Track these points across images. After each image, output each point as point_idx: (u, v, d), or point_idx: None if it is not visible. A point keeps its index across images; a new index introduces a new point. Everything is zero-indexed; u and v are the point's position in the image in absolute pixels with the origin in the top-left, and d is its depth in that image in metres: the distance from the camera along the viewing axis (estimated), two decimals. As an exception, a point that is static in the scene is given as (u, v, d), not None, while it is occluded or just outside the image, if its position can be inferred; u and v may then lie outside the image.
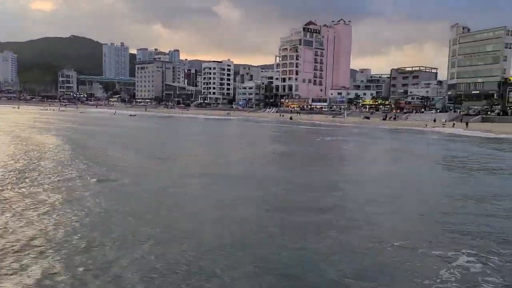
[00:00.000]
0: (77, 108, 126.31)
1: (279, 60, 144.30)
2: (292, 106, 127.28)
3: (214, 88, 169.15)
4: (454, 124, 71.64)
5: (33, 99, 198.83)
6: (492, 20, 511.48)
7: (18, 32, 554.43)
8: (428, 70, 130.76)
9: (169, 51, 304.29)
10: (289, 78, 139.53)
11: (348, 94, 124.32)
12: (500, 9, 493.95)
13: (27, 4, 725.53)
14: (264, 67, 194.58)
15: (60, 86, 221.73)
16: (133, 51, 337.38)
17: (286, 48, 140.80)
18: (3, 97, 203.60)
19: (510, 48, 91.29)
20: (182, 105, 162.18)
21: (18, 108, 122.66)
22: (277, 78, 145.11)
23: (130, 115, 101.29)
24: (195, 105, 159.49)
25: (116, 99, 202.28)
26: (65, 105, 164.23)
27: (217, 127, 70.33)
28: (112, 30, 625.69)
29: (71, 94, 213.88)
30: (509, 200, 15.36)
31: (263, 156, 29.14)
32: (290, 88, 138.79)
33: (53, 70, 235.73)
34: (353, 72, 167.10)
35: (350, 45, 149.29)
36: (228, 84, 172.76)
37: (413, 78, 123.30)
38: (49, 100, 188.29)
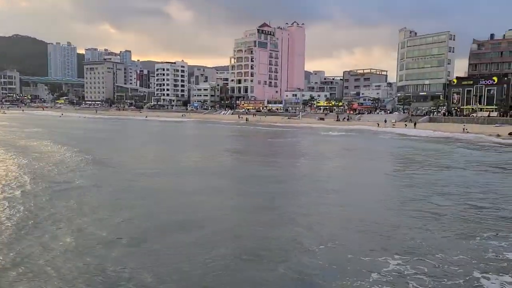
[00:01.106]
0: (22, 110, 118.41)
1: (234, 62, 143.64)
2: (248, 107, 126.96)
3: (168, 89, 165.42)
4: (406, 124, 74.40)
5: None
6: (435, 25, 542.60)
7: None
8: (378, 73, 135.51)
9: (120, 51, 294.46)
10: (245, 80, 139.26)
11: (303, 95, 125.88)
12: (442, 14, 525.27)
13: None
14: (218, 69, 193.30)
15: (2, 88, 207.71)
16: (81, 51, 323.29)
17: (241, 50, 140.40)
18: None
19: (453, 52, 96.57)
20: (134, 107, 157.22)
21: None
22: (232, 80, 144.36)
23: (81, 117, 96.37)
24: (148, 107, 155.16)
25: (63, 101, 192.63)
26: (7, 107, 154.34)
27: (172, 129, 68.53)
28: (57, 30, 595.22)
29: (14, 95, 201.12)
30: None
31: (216, 156, 29.86)
32: (246, 89, 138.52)
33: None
34: (307, 74, 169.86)
35: (304, 47, 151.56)
36: (183, 86, 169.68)
37: (365, 80, 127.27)
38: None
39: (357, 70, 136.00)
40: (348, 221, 12.88)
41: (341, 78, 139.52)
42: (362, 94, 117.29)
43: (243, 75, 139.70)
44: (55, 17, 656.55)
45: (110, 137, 46.18)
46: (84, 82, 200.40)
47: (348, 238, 11.16)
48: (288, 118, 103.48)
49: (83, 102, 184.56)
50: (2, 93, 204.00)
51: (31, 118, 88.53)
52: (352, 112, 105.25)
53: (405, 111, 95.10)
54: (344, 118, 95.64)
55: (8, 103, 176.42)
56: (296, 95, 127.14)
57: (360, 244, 10.69)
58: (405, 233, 11.61)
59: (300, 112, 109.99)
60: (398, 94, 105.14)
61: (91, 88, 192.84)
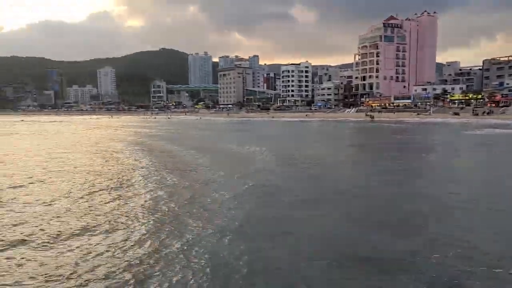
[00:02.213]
0: (168, 117, 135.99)
1: (358, 59, 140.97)
2: (373, 104, 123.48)
3: (292, 90, 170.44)
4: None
5: (129, 109, 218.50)
6: None
7: (115, 48, 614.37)
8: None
9: (249, 57, 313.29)
10: (369, 76, 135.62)
11: (434, 89, 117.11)
12: None
13: (121, 22, 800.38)
14: (342, 67, 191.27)
15: (152, 96, 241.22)
16: (215, 59, 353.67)
17: (365, 46, 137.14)
18: (104, 108, 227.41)
19: None
20: (262, 108, 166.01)
21: (111, 117, 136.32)
22: (356, 77, 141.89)
23: (215, 119, 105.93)
24: (274, 108, 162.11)
25: (201, 105, 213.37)
26: (156, 113, 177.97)
27: (296, 128, 70.87)
28: (195, 41, 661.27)
29: (161, 102, 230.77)
30: None
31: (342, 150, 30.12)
32: (371, 86, 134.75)
33: (146, 82, 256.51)
34: (439, 66, 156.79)
35: (435, 37, 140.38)
36: (307, 86, 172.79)
37: (510, 69, 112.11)
38: (143, 109, 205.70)
39: (500, 58, 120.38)
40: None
41: (480, 68, 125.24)
42: (507, 84, 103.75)
43: (367, 71, 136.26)
44: (193, 30, 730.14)
45: (264, 137, 48.58)
46: (218, 87, 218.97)
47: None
48: (417, 114, 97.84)
49: (217, 106, 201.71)
50: (152, 100, 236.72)
51: (184, 122, 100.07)
52: (494, 105, 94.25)
53: None
54: (484, 112, 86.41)
55: (157, 109, 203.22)
56: (426, 89, 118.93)
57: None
58: None
59: (431, 108, 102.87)
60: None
61: (223, 92, 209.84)
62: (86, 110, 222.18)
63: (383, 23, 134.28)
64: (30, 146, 34.23)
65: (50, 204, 12.70)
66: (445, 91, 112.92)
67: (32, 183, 16.22)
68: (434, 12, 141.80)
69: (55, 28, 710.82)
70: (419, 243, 9.27)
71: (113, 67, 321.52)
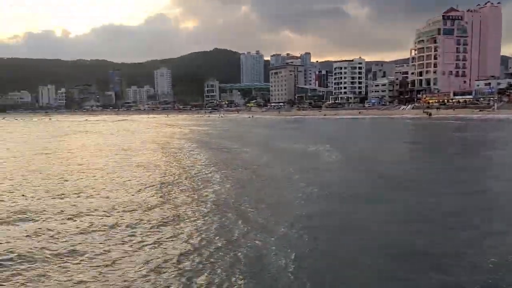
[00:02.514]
0: (221, 115, 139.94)
1: (415, 54, 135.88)
2: (430, 101, 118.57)
3: (345, 87, 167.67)
4: None
5: (184, 108, 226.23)
6: None
7: (171, 49, 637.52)
8: None
9: (300, 54, 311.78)
10: (427, 72, 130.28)
11: (498, 84, 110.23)
12: None
13: (176, 24, 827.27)
14: (398, 63, 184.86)
15: (205, 95, 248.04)
16: (267, 58, 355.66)
17: (422, 40, 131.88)
18: (160, 108, 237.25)
19: None
20: (313, 106, 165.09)
21: (167, 116, 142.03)
22: (412, 73, 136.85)
23: (267, 118, 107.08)
24: (326, 106, 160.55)
25: (252, 104, 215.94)
26: (210, 112, 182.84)
27: (349, 126, 70.02)
28: (247, 40, 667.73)
29: (214, 101, 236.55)
30: None
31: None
32: (428, 82, 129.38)
33: (200, 81, 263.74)
34: (504, 59, 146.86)
35: (500, 29, 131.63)
36: (360, 83, 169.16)
37: None
38: (197, 109, 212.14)
39: None
40: None
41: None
42: None
43: (425, 66, 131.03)
44: (245, 29, 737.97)
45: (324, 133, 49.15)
46: (270, 86, 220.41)
47: None
48: (480, 110, 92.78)
49: (269, 104, 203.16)
50: (205, 99, 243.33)
51: (237, 120, 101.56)
52: None
53: None
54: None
55: (210, 108, 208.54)
56: (489, 83, 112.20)
57: None
58: None
59: (495, 103, 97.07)
60: None
61: (275, 91, 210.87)
62: (144, 109, 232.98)
63: (443, 16, 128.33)
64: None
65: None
66: (510, 85, 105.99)
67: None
68: (498, 2, 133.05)
69: (116, 32, 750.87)
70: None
71: (168, 67, 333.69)
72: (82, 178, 17.50)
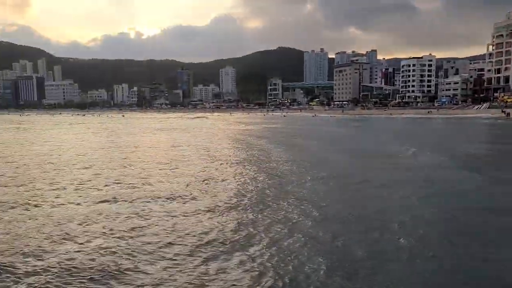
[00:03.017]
0: (283, 114, 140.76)
1: (492, 49, 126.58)
2: (508, 100, 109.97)
3: (413, 86, 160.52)
4: None
5: (247, 106, 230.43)
6: None
7: (236, 49, 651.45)
8: None
9: (367, 52, 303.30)
10: (506, 69, 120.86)
11: None
12: None
13: (241, 24, 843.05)
14: (472, 59, 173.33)
15: (268, 94, 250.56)
16: (331, 55, 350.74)
17: (501, 35, 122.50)
18: (225, 106, 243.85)
19: None
20: (380, 105, 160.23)
21: (231, 114, 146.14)
22: (489, 70, 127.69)
23: (331, 117, 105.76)
24: (393, 105, 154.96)
25: (315, 102, 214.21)
26: (272, 110, 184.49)
27: (418, 126, 66.88)
28: (311, 38, 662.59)
29: (277, 100, 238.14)
30: None
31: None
32: (507, 79, 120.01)
33: (263, 80, 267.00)
34: None
35: None
36: (429, 81, 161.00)
37: None
38: (260, 107, 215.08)
39: None
40: None
41: None
42: None
43: (503, 63, 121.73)
44: (310, 27, 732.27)
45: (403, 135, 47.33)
46: (334, 84, 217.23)
47: None
48: None
49: (332, 103, 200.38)
50: (268, 98, 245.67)
51: (301, 119, 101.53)
52: None
53: None
54: None
55: (273, 107, 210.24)
56: None
57: None
58: None
59: None
60: None
61: (339, 89, 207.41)
62: (210, 107, 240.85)
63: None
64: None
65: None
66: None
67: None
68: None
69: (185, 32, 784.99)
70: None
71: (233, 66, 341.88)
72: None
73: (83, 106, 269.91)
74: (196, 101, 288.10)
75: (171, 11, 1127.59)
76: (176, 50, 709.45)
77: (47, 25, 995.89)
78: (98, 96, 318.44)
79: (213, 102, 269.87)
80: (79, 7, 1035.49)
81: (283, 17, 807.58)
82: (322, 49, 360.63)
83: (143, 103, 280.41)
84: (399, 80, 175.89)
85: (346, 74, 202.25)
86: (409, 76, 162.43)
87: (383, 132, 52.02)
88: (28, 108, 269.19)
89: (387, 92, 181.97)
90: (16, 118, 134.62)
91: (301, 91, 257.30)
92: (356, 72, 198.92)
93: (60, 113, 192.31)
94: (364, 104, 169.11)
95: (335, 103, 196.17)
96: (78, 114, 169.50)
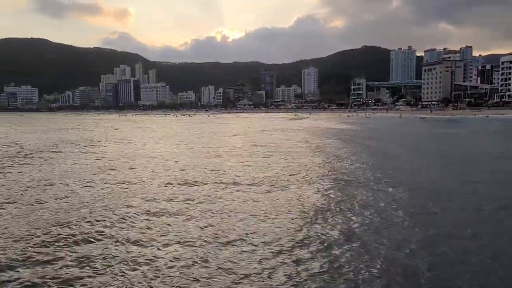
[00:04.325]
0: (366, 115, 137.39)
1: None
2: None
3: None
4: None
5: (329, 107, 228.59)
6: None
7: (319, 49, 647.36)
8: None
9: (460, 48, 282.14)
10: None
11: None
12: None
13: (323, 24, 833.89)
14: None
15: (351, 94, 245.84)
16: (419, 53, 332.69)
17: None
18: (306, 106, 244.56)
19: None
20: (474, 105, 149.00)
21: (296, 115, 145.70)
22: None
23: (421, 117, 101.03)
24: (490, 105, 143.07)
25: (401, 102, 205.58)
26: (354, 111, 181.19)
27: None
28: (399, 36, 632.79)
29: (361, 100, 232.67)
30: None
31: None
32: None
33: (346, 80, 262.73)
34: None
35: None
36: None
37: None
38: (342, 107, 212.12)
39: None
40: None
41: None
42: None
43: None
44: (396, 25, 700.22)
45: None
46: (422, 83, 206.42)
47: None
48: None
49: (419, 103, 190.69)
50: (351, 98, 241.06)
51: (388, 120, 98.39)
52: None
53: None
54: None
55: (356, 107, 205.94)
56: None
57: None
58: None
59: None
60: None
61: (427, 88, 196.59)
62: (291, 108, 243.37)
63: None
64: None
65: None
66: None
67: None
68: None
69: (268, 34, 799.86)
70: None
71: (316, 67, 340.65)
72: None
73: (173, 107, 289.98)
74: (279, 101, 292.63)
75: (256, 14, 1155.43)
76: (260, 51, 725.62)
77: (143, 31, 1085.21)
78: (187, 98, 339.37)
79: (294, 103, 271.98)
80: (171, 14, 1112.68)
81: (367, 15, 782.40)
82: (409, 47, 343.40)
83: (228, 104, 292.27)
84: (498, 78, 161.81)
85: (436, 73, 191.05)
86: (510, 73, 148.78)
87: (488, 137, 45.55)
88: (126, 109, 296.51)
89: (484, 91, 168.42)
90: (128, 117, 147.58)
91: (387, 91, 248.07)
92: (447, 71, 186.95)
93: (154, 114, 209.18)
94: (455, 104, 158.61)
95: (423, 103, 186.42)
96: (169, 114, 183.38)
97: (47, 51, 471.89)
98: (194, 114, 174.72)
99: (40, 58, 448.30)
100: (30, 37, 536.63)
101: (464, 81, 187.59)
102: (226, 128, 66.01)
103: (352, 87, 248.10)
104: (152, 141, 38.13)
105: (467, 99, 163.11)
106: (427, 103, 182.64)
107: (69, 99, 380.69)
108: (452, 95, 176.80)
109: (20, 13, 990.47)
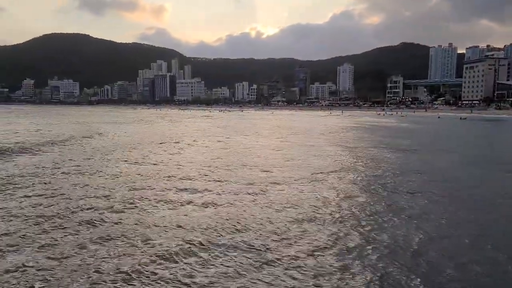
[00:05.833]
0: (402, 113, 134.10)
1: None
2: None
3: None
4: None
5: (364, 104, 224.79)
6: None
7: (355, 46, 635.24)
8: None
9: (505, 46, 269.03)
10: None
11: None
12: None
13: (359, 20, 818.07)
14: None
15: (387, 92, 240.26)
16: (460, 51, 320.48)
17: None
18: (340, 103, 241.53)
19: None
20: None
21: (330, 113, 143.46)
22: None
23: (460, 118, 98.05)
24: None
25: (440, 101, 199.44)
26: (390, 109, 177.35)
27: None
28: (437, 33, 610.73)
29: (397, 98, 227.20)
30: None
31: None
32: None
33: (382, 77, 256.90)
34: None
35: None
36: None
37: None
38: (378, 105, 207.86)
39: None
40: None
41: None
42: None
43: None
44: (436, 22, 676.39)
45: None
46: (462, 81, 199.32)
47: None
48: None
49: (459, 102, 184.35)
50: (387, 96, 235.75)
51: (431, 120, 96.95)
52: None
53: None
54: None
55: (392, 105, 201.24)
56: None
57: None
58: None
59: None
60: None
61: (468, 87, 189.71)
62: (326, 105, 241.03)
63: None
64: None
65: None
66: None
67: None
68: None
69: (302, 31, 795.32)
70: None
71: (351, 63, 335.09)
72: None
73: (208, 103, 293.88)
74: (312, 98, 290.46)
75: (291, 10, 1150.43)
76: (295, 48, 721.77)
77: (178, 27, 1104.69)
78: (221, 94, 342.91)
79: (328, 100, 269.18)
80: (206, 10, 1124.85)
81: (406, 11, 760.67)
82: (450, 44, 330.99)
83: (261, 100, 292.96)
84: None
85: (478, 71, 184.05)
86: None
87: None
88: (162, 104, 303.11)
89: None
90: (172, 112, 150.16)
91: (424, 89, 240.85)
92: (490, 69, 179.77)
93: (189, 110, 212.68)
94: (498, 104, 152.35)
95: (463, 102, 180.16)
96: (204, 110, 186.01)
97: (88, 46, 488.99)
98: (229, 110, 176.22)
99: (82, 53, 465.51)
100: (72, 32, 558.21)
101: (508, 80, 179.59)
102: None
103: (388, 85, 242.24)
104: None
105: (511, 99, 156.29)
106: (467, 102, 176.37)
107: (108, 93, 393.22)
108: (495, 94, 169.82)
109: (63, 10, 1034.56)
